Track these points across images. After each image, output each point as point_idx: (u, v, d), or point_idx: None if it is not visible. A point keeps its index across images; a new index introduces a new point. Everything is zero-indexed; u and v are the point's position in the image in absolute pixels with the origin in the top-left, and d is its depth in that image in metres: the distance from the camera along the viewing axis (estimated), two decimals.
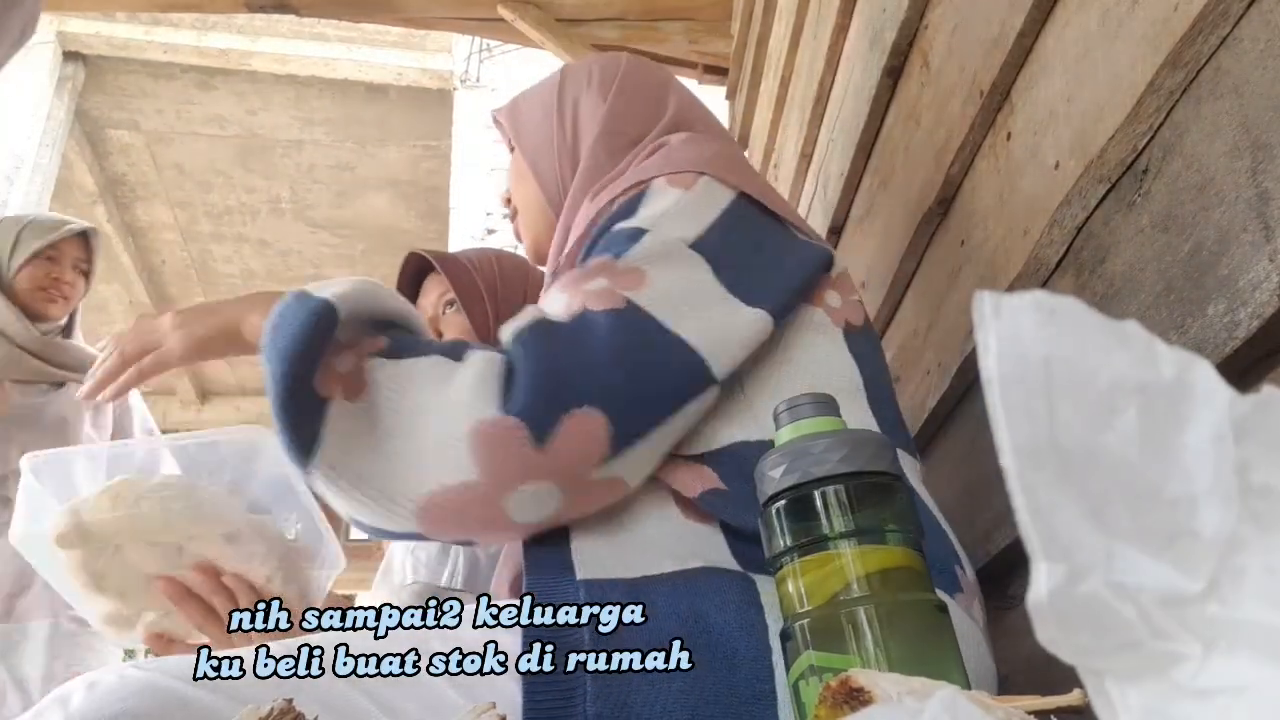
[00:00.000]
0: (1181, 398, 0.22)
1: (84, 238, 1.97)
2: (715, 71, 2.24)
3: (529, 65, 4.82)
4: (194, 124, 5.14)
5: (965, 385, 0.83)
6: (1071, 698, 0.37)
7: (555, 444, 0.58)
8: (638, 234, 0.68)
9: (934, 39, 0.89)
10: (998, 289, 0.47)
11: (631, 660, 0.53)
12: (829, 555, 0.51)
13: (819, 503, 0.52)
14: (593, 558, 0.62)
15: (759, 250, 0.71)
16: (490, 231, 4.49)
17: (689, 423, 0.64)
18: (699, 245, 0.68)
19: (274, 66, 4.81)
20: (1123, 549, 0.21)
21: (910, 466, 0.73)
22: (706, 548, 0.63)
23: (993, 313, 0.22)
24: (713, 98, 2.40)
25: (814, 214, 1.37)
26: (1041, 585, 0.20)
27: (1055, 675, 0.33)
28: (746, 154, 2.09)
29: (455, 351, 0.62)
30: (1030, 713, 0.36)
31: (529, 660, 0.54)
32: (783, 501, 0.54)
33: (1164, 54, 0.52)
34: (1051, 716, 0.37)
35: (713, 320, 0.65)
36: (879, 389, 0.74)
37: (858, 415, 0.70)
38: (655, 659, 0.54)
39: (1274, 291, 0.45)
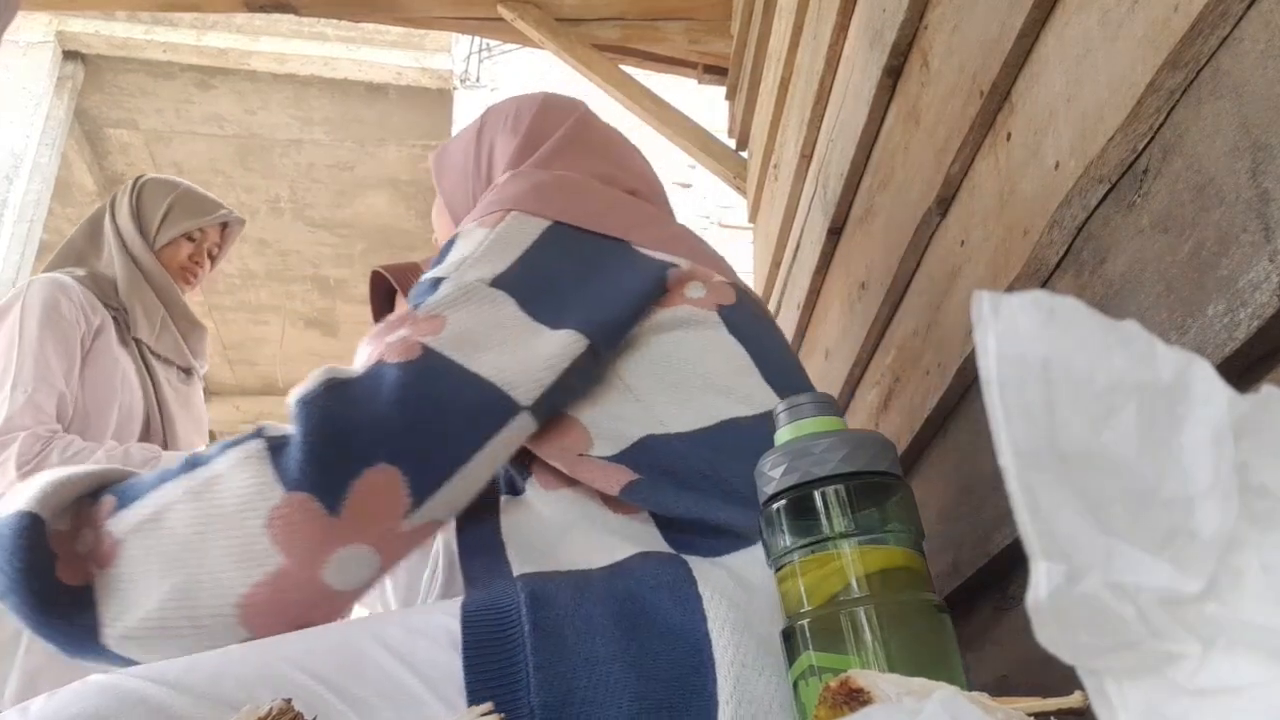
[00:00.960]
0: (1180, 397, 0.22)
1: (223, 225, 1.86)
2: (715, 71, 2.24)
3: (529, 65, 4.82)
4: (193, 123, 5.14)
5: (965, 385, 0.83)
6: (1072, 700, 0.37)
7: (350, 509, 0.58)
8: (437, 283, 0.70)
9: (934, 39, 0.89)
10: (997, 289, 0.47)
11: (571, 646, 0.54)
12: (829, 555, 0.51)
13: (819, 503, 0.52)
14: (528, 564, 0.64)
15: (575, 273, 0.73)
16: None
17: (503, 450, 0.65)
18: (500, 282, 0.70)
19: (273, 66, 4.81)
20: (1122, 548, 0.21)
21: None
22: (639, 537, 0.65)
23: (992, 313, 0.22)
24: (713, 98, 2.40)
25: (814, 214, 1.37)
26: (1041, 585, 0.21)
27: (1054, 675, 0.33)
28: (745, 155, 2.09)
29: (191, 463, 0.62)
30: (1030, 714, 0.36)
31: (471, 656, 0.54)
32: (783, 501, 0.54)
33: (1164, 54, 0.52)
34: (1051, 718, 0.37)
35: (513, 350, 0.66)
36: (776, 361, 0.77)
37: (755, 392, 0.72)
38: (593, 642, 0.54)
39: (1274, 292, 0.45)
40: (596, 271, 0.74)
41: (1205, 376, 0.22)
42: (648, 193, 0.94)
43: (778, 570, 0.54)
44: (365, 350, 0.67)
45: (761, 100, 1.85)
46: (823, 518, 0.52)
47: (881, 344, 1.09)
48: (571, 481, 0.69)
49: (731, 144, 2.15)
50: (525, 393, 0.65)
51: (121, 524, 0.60)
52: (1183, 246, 0.53)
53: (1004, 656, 0.78)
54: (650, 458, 0.66)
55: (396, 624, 0.57)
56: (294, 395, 0.62)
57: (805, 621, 0.51)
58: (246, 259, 6.02)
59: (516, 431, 0.65)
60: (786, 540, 0.53)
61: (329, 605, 0.61)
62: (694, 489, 0.65)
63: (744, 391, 0.72)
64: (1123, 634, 0.21)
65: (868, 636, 0.49)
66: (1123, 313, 0.59)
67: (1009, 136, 0.74)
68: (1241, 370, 0.49)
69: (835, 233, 1.25)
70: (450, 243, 0.75)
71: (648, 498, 0.64)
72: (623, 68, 2.18)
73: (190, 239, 1.80)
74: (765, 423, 0.68)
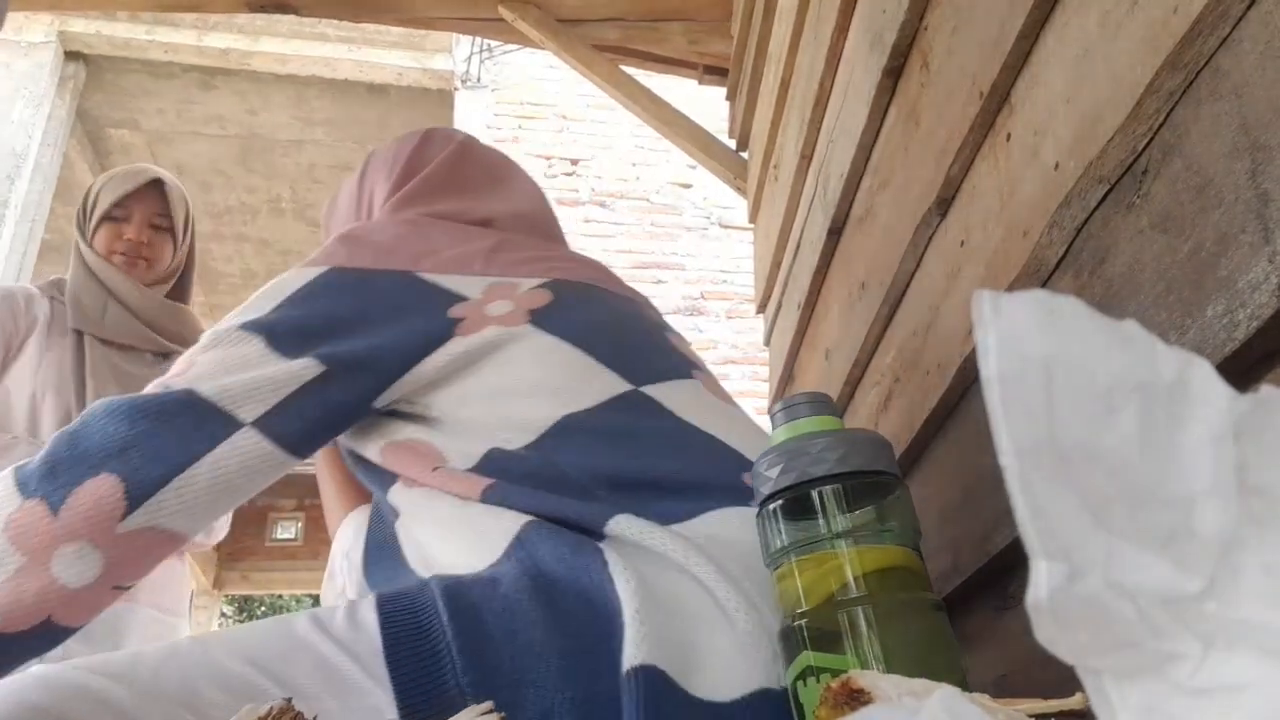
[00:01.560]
0: (1180, 397, 0.22)
1: (160, 190, 1.78)
2: (715, 72, 2.24)
3: (529, 66, 4.83)
4: (194, 124, 5.14)
5: (965, 385, 0.83)
6: (1073, 701, 0.37)
7: (68, 509, 0.64)
8: (204, 336, 0.77)
9: (934, 40, 0.89)
10: (997, 289, 0.47)
11: (491, 626, 0.55)
12: (827, 554, 0.51)
13: (816, 502, 0.52)
14: (431, 563, 0.67)
15: (330, 311, 0.76)
16: None
17: (236, 464, 0.69)
18: (251, 325, 0.74)
19: (274, 66, 4.81)
20: (1122, 548, 0.21)
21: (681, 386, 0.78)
22: (513, 520, 0.66)
23: (992, 312, 0.22)
24: (713, 98, 2.40)
25: (814, 214, 1.37)
26: (1041, 584, 0.21)
27: (1055, 675, 0.33)
28: (746, 155, 2.09)
29: None
30: (1031, 715, 0.36)
31: (392, 648, 0.55)
32: (780, 501, 0.54)
33: (1163, 55, 0.52)
34: (1052, 719, 0.37)
35: (242, 377, 0.71)
36: (614, 344, 0.78)
37: (589, 382, 0.74)
38: (512, 619, 0.56)
39: (1273, 292, 0.45)
40: (360, 306, 0.77)
41: (1205, 376, 0.22)
42: (506, 218, 0.96)
43: (775, 570, 0.54)
44: None
45: (762, 101, 1.85)
46: (820, 517, 0.52)
47: (881, 344, 1.09)
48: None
49: (732, 144, 2.15)
50: (248, 410, 0.69)
51: None
52: (1182, 247, 0.53)
53: (1004, 656, 0.78)
54: (501, 467, 0.69)
55: (341, 614, 0.59)
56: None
57: (803, 621, 0.51)
58: (247, 259, 6.02)
59: (245, 448, 0.69)
60: (784, 540, 0.53)
61: (67, 602, 0.65)
62: (547, 490, 0.67)
63: (576, 387, 0.74)
64: (1123, 634, 0.21)
65: (865, 636, 0.49)
66: (1122, 313, 0.59)
67: (1009, 137, 0.74)
68: (1241, 370, 0.49)
69: (835, 233, 1.25)
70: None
71: (506, 499, 0.66)
72: (623, 68, 2.18)
73: (112, 219, 1.75)
74: (619, 407, 0.73)
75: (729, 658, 0.54)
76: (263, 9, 2.08)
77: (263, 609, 12.23)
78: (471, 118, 4.72)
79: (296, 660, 0.56)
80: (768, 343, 1.80)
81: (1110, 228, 0.61)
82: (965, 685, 0.48)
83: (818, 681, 0.49)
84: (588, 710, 0.51)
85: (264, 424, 0.70)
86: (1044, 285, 0.70)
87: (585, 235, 4.58)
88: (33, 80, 4.47)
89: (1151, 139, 0.57)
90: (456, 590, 0.58)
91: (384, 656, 0.55)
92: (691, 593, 0.57)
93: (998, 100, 0.75)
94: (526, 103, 4.85)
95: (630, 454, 0.69)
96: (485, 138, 4.62)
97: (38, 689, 0.52)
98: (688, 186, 4.86)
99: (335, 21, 3.28)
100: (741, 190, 2.10)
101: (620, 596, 0.55)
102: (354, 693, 0.54)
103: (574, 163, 4.78)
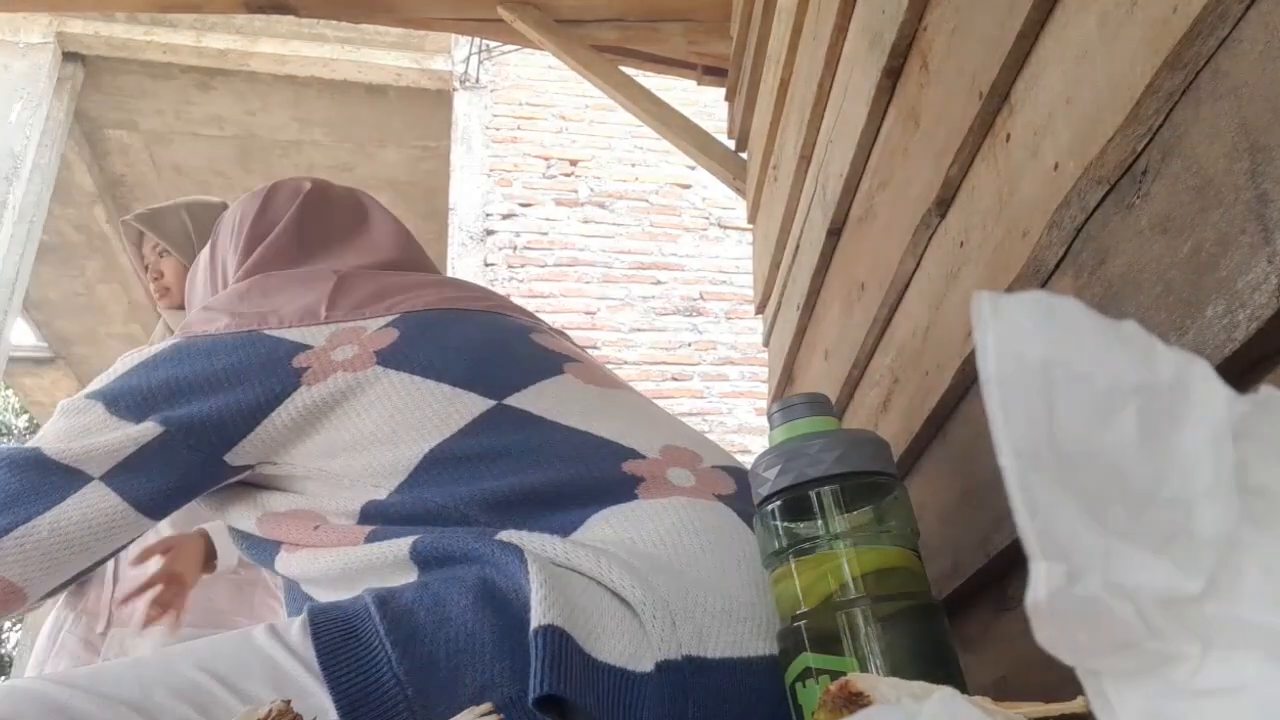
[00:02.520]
0: (1180, 398, 0.22)
1: (134, 228, 1.86)
2: (715, 72, 2.24)
3: (528, 66, 4.83)
4: (193, 124, 5.14)
5: (965, 386, 0.83)
6: (1074, 705, 0.37)
7: None
8: (57, 408, 0.79)
9: (933, 40, 0.89)
10: (997, 290, 0.47)
11: (423, 620, 0.56)
12: (825, 556, 0.51)
13: (814, 503, 0.52)
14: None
15: (171, 378, 0.77)
16: (489, 232, 4.49)
17: (68, 519, 0.70)
18: (95, 394, 0.77)
19: (273, 67, 4.81)
20: (1121, 549, 0.21)
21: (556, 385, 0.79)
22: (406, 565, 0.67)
23: (992, 313, 0.22)
24: (713, 98, 2.40)
25: (813, 214, 1.37)
26: (1040, 585, 0.20)
27: (1054, 676, 0.33)
28: (745, 156, 2.09)
29: None
30: (1031, 718, 0.36)
31: (325, 653, 0.56)
32: (778, 502, 0.54)
33: (1163, 55, 0.52)
34: None
35: (84, 441, 0.73)
36: (469, 362, 0.78)
37: (450, 409, 0.74)
38: (444, 609, 0.57)
39: (1273, 293, 0.45)
40: (204, 369, 0.78)
41: (1204, 377, 0.22)
42: (364, 258, 0.96)
43: (773, 571, 0.54)
44: None
45: (761, 101, 1.85)
46: (818, 518, 0.52)
47: (881, 344, 1.09)
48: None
49: (731, 145, 2.15)
50: (94, 466, 0.72)
51: None
52: (1182, 248, 0.53)
53: (1004, 657, 0.78)
54: (379, 512, 0.70)
55: (297, 626, 0.60)
56: None
57: (802, 623, 0.51)
58: None
59: (91, 501, 0.71)
60: (782, 541, 0.53)
61: None
62: (427, 526, 0.67)
63: (436, 418, 0.74)
64: (1122, 634, 0.21)
65: (864, 637, 0.49)
66: (1122, 314, 0.59)
67: (1008, 138, 0.74)
68: (1240, 371, 0.49)
69: (835, 233, 1.25)
70: None
71: (390, 537, 0.67)
72: (622, 69, 2.17)
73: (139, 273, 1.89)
74: (482, 426, 0.73)
75: (631, 632, 0.55)
76: (261, 10, 2.08)
77: None
78: (470, 118, 4.72)
79: (250, 668, 0.57)
80: (767, 343, 1.80)
81: (1110, 228, 0.61)
82: (964, 687, 0.48)
83: (816, 683, 0.49)
84: (526, 676, 0.52)
85: (112, 479, 0.72)
86: (1043, 286, 0.70)
87: (584, 236, 4.58)
88: (30, 81, 4.47)
89: (1151, 139, 0.57)
90: (387, 595, 0.59)
91: (316, 656, 0.56)
92: (583, 584, 0.58)
93: (997, 100, 0.75)
94: (525, 103, 4.85)
95: (501, 472, 0.69)
96: (484, 138, 4.62)
97: (8, 701, 0.53)
98: (687, 187, 4.86)
99: (334, 22, 3.28)
100: (741, 191, 2.10)
101: (530, 573, 0.56)
102: (303, 695, 0.55)
103: (573, 163, 4.78)
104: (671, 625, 0.55)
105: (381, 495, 0.71)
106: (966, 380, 0.82)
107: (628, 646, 0.54)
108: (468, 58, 4.81)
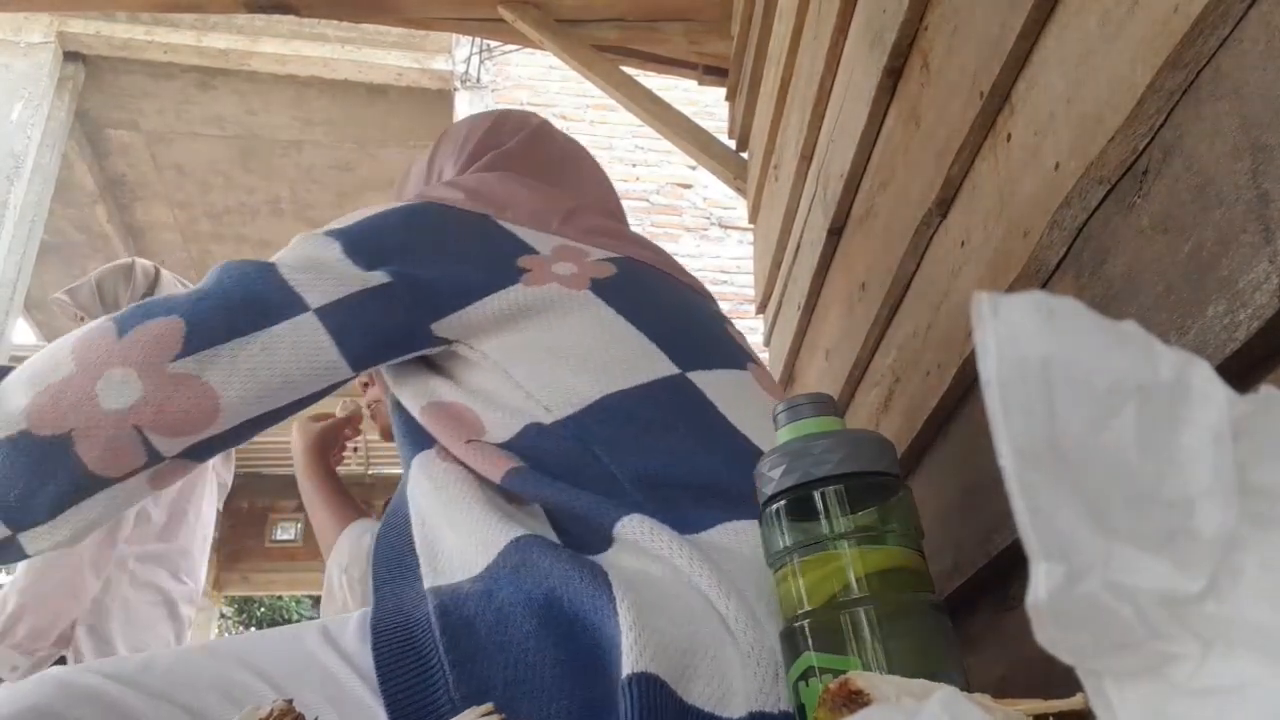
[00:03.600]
0: (1180, 398, 0.22)
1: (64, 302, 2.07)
2: (715, 72, 2.24)
3: (529, 66, 4.83)
4: (194, 124, 5.14)
5: (965, 386, 0.83)
6: (1073, 701, 0.37)
7: (132, 336, 0.68)
8: (295, 237, 0.80)
9: (934, 40, 0.89)
10: (997, 290, 0.47)
11: (484, 639, 0.55)
12: (829, 555, 0.51)
13: (819, 503, 0.52)
14: (434, 560, 0.67)
15: (408, 235, 0.78)
16: None
17: (288, 347, 0.71)
18: (334, 233, 0.77)
19: (274, 67, 4.81)
20: (1121, 549, 0.21)
21: (730, 377, 0.78)
22: (527, 523, 0.66)
23: (992, 313, 0.22)
24: (713, 98, 2.39)
25: (814, 214, 1.37)
26: (1040, 586, 0.21)
27: (1055, 676, 0.33)
28: (746, 155, 2.09)
29: None
30: (1031, 715, 0.36)
31: (385, 667, 0.55)
32: (782, 502, 0.54)
33: (1164, 55, 0.52)
34: (1051, 719, 0.37)
35: (316, 269, 0.73)
36: (668, 325, 0.78)
37: (640, 360, 0.74)
38: (506, 631, 0.55)
39: (1274, 293, 0.45)
40: (436, 237, 0.79)
41: (1205, 377, 0.22)
42: (583, 199, 0.96)
43: (777, 570, 0.54)
44: None
45: (761, 101, 1.85)
46: (822, 518, 0.52)
47: (881, 344, 1.09)
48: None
49: (732, 145, 2.15)
50: (315, 297, 0.72)
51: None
52: (1183, 247, 0.53)
53: (1004, 657, 0.78)
54: (533, 444, 0.69)
55: (353, 627, 0.59)
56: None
57: (805, 622, 0.51)
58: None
59: (303, 331, 0.71)
60: (786, 541, 0.53)
61: (93, 422, 0.67)
62: (569, 480, 0.67)
63: (622, 364, 0.73)
64: (1122, 634, 0.21)
65: (867, 637, 0.49)
66: (1123, 313, 0.59)
67: (1009, 137, 0.74)
68: (1241, 371, 0.49)
69: (835, 233, 1.25)
70: None
71: (525, 485, 0.66)
72: (623, 69, 2.17)
73: None
74: (660, 390, 0.72)
75: (730, 673, 0.53)
76: (262, 9, 2.08)
77: (262, 609, 12.23)
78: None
79: (304, 675, 0.56)
80: (768, 343, 1.80)
81: (1111, 228, 0.61)
82: (967, 686, 0.48)
83: (820, 682, 0.49)
84: (582, 718, 0.51)
85: (325, 314, 0.72)
86: (1044, 286, 0.70)
87: None
88: (31, 81, 4.47)
89: (1152, 139, 0.57)
90: (451, 604, 0.58)
91: (376, 673, 0.55)
92: (696, 604, 0.56)
93: (998, 100, 0.75)
94: (526, 103, 4.85)
95: (661, 449, 0.68)
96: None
97: (53, 692, 0.53)
98: (688, 187, 4.86)
99: (335, 22, 3.28)
100: (741, 190, 2.10)
101: (618, 611, 0.54)
102: (357, 709, 0.54)
103: None
104: (775, 678, 0.53)
105: (546, 420, 0.70)
106: (967, 380, 0.82)
107: (719, 689, 0.52)
108: (468, 57, 4.81)
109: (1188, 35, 0.50)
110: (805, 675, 0.50)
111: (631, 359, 0.73)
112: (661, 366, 0.73)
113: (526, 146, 1.00)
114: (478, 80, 4.83)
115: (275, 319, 0.71)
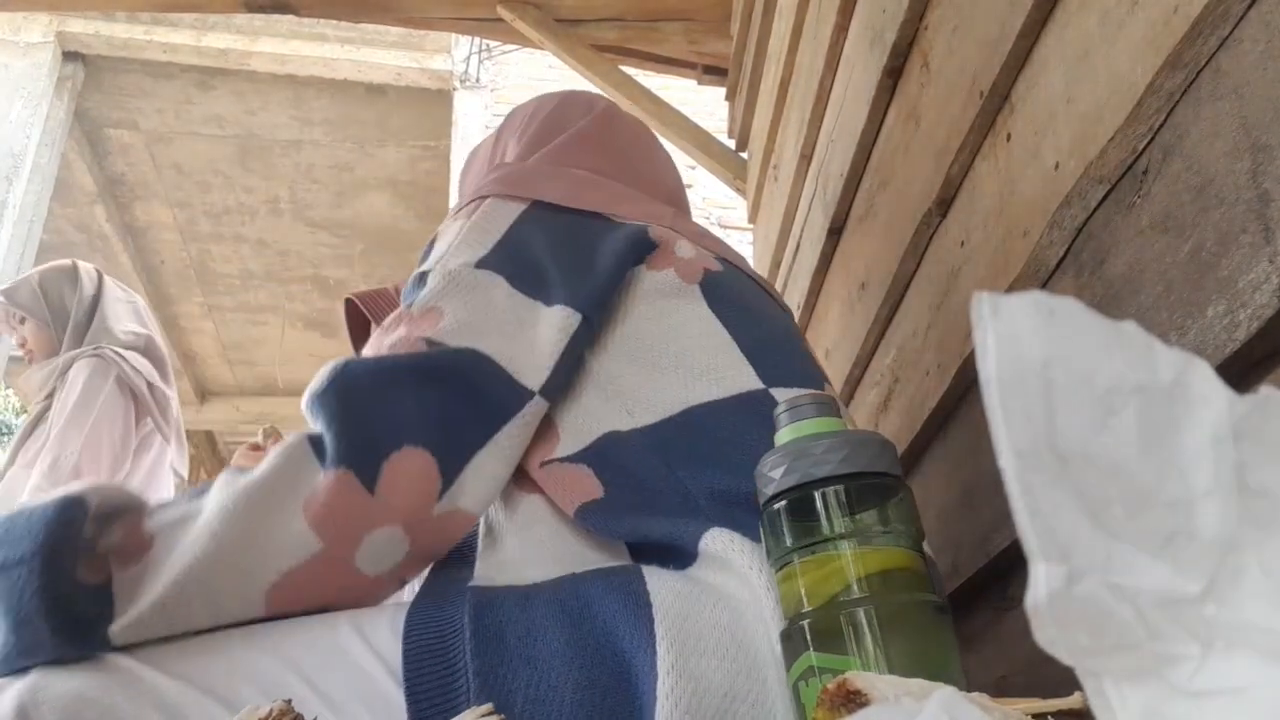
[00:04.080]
0: (1180, 399, 0.22)
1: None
2: (715, 72, 2.24)
3: (529, 66, 4.82)
4: (193, 124, 5.14)
5: (965, 386, 0.83)
6: (1072, 701, 0.37)
7: (385, 486, 0.58)
8: (422, 278, 0.70)
9: (934, 40, 0.89)
10: (997, 290, 0.47)
11: (512, 650, 0.54)
12: (829, 556, 0.51)
13: (819, 504, 0.52)
14: (488, 572, 0.64)
15: (559, 249, 0.72)
16: None
17: (518, 441, 0.64)
18: (486, 262, 0.69)
19: (273, 66, 4.81)
20: (1121, 550, 0.21)
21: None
22: (606, 558, 0.64)
23: (991, 314, 0.22)
24: (713, 98, 2.39)
25: (814, 214, 1.37)
26: (1040, 586, 0.20)
27: (1054, 676, 0.33)
28: (745, 155, 2.09)
29: (234, 470, 0.60)
30: (1029, 715, 0.36)
31: (411, 665, 0.54)
32: (783, 502, 0.54)
33: (1164, 55, 0.52)
34: (1050, 718, 0.37)
35: (514, 335, 0.66)
36: (757, 336, 0.74)
37: (731, 372, 0.70)
38: (534, 644, 0.54)
39: (1274, 293, 0.45)
40: (576, 243, 0.73)
41: (1204, 377, 0.22)
42: (655, 193, 0.92)
43: (778, 571, 0.54)
44: (367, 354, 0.67)
45: (761, 101, 1.85)
46: (823, 519, 0.52)
47: (881, 344, 1.09)
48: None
49: (731, 145, 2.15)
50: (532, 378, 0.65)
51: (156, 520, 0.58)
52: (1183, 247, 0.53)
53: (1004, 657, 0.78)
54: (611, 458, 0.65)
55: (385, 625, 0.58)
56: (309, 393, 0.61)
57: (806, 622, 0.51)
58: (246, 259, 6.02)
59: (526, 419, 0.65)
60: (787, 541, 0.53)
61: (357, 591, 0.60)
62: (646, 505, 0.63)
63: (719, 372, 0.70)
64: (1122, 635, 0.21)
65: (868, 637, 0.49)
66: (1123, 313, 0.59)
67: (1009, 137, 0.74)
68: (1241, 371, 0.49)
69: (835, 233, 1.25)
70: (431, 243, 0.75)
71: (603, 523, 0.63)
72: (622, 68, 2.17)
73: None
74: (743, 405, 0.68)
75: (768, 713, 0.52)
76: (261, 9, 2.08)
77: None
78: (470, 118, 4.71)
79: (334, 667, 0.55)
80: None
81: (1111, 228, 0.61)
82: (966, 686, 0.48)
83: (820, 682, 0.49)
84: None
85: (546, 389, 0.66)
86: (1044, 285, 0.70)
87: None
88: (31, 80, 4.47)
89: (1152, 139, 0.57)
90: (485, 607, 0.56)
91: (402, 674, 0.54)
92: (756, 636, 0.54)
93: (998, 100, 0.75)
94: None
95: (736, 465, 0.64)
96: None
97: (91, 679, 0.52)
98: (688, 186, 4.85)
99: (334, 22, 3.28)
100: (741, 190, 2.10)
101: (657, 649, 0.52)
102: (385, 706, 0.54)
103: None
104: None
105: (625, 427, 0.66)
106: (967, 380, 0.82)
107: None
108: (468, 57, 4.81)
109: (1188, 35, 0.50)
110: (805, 675, 0.50)
111: (721, 369, 0.70)
112: (748, 380, 0.71)
113: (601, 128, 0.95)
114: (477, 80, 4.82)
115: (504, 416, 0.63)
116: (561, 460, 0.66)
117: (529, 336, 0.66)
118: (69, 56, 4.68)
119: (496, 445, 0.63)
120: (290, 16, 2.19)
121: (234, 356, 6.61)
